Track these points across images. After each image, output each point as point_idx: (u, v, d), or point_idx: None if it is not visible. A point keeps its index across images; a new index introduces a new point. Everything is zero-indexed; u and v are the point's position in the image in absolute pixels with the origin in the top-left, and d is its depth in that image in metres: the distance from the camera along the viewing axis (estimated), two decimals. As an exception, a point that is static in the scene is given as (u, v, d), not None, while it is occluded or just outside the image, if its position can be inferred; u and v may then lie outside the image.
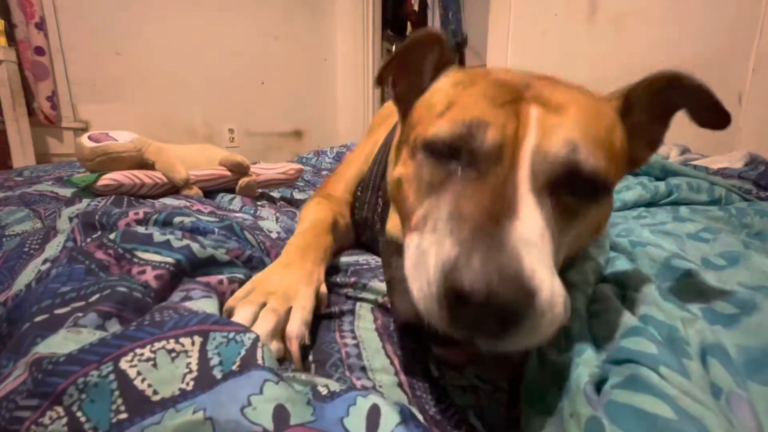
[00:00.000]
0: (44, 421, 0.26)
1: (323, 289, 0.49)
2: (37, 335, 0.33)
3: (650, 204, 1.02)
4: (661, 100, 0.44)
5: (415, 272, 0.32)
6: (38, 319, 0.35)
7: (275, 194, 1.22)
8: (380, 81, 0.51)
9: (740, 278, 0.51)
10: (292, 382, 0.30)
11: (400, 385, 0.35)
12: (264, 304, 0.41)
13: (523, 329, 0.28)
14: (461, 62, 3.69)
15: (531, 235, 0.31)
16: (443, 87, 0.45)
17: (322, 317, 0.46)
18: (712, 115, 0.42)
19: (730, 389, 0.33)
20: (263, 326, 0.39)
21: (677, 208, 0.98)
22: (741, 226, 0.84)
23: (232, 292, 0.45)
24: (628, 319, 0.41)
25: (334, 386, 0.31)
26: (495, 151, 0.36)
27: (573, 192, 0.36)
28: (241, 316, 0.40)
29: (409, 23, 3.60)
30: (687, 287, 0.51)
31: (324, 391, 0.30)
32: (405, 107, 0.50)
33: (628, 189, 1.05)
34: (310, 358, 0.39)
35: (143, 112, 2.38)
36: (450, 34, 3.52)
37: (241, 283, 0.48)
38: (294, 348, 0.39)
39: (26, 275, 0.47)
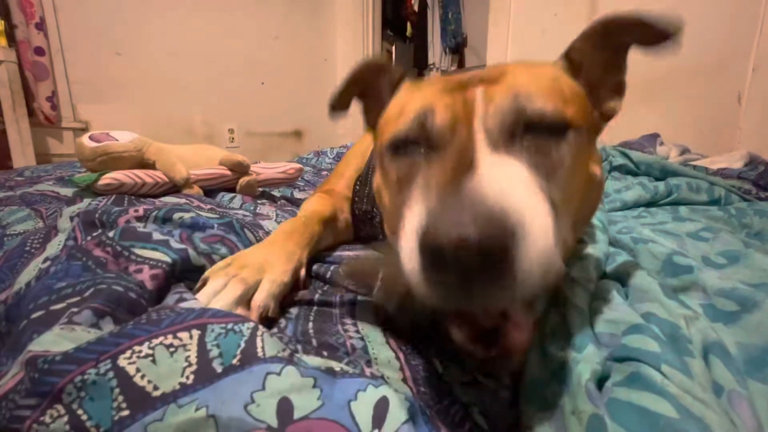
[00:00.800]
0: (45, 419, 0.26)
1: (302, 272, 0.51)
2: (33, 332, 0.33)
3: (650, 204, 1.02)
4: (606, 46, 0.45)
5: (403, 238, 0.30)
6: (34, 315, 0.35)
7: (275, 193, 1.22)
8: (333, 108, 0.56)
9: (741, 276, 0.51)
10: (300, 365, 0.30)
11: (404, 380, 0.35)
12: (236, 276, 0.44)
13: (513, 267, 0.25)
14: (461, 63, 3.69)
15: (498, 177, 0.30)
16: (397, 97, 0.49)
17: (324, 305, 0.47)
18: (656, 35, 0.42)
19: (731, 388, 0.33)
20: (229, 294, 0.41)
21: (677, 208, 0.98)
22: (740, 226, 0.84)
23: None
24: (630, 316, 0.41)
25: (348, 367, 0.31)
26: (448, 128, 0.38)
27: (539, 138, 0.37)
28: (211, 285, 0.42)
29: (408, 23, 3.61)
30: (688, 284, 0.51)
31: (338, 368, 0.30)
32: (372, 120, 0.54)
33: (628, 189, 1.05)
34: (314, 342, 0.39)
35: (143, 112, 2.38)
36: (450, 34, 3.52)
37: None
38: (253, 317, 0.41)
39: (27, 274, 0.47)
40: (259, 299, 0.43)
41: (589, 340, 0.39)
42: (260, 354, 0.29)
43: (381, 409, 0.26)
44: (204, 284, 0.44)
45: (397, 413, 0.26)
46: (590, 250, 0.55)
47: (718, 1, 1.74)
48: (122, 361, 0.28)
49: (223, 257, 0.52)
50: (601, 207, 0.77)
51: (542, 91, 0.38)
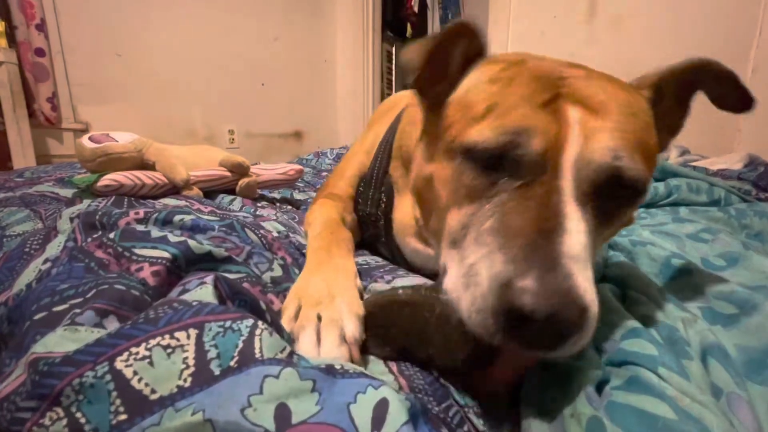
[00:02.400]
0: (45, 422, 0.26)
1: (358, 282, 0.48)
2: (36, 333, 0.33)
3: (650, 205, 1.02)
4: (687, 85, 0.44)
5: (464, 287, 0.33)
6: (37, 317, 0.35)
7: (275, 195, 1.22)
8: (417, 83, 0.47)
9: (740, 278, 0.51)
10: (299, 366, 0.29)
11: (400, 389, 0.35)
12: (319, 317, 0.40)
13: (575, 341, 0.30)
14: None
15: (578, 249, 0.32)
16: (479, 84, 0.43)
17: None
18: (736, 99, 0.43)
19: (730, 390, 0.33)
20: (330, 343, 0.38)
21: (677, 209, 0.98)
22: (740, 227, 0.84)
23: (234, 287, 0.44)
24: (627, 320, 0.41)
25: (349, 366, 0.31)
26: (541, 158, 0.35)
27: (613, 198, 0.36)
28: (307, 343, 0.38)
29: (408, 24, 3.61)
30: (687, 286, 0.51)
31: (338, 366, 0.30)
32: (429, 97, 0.48)
33: (628, 190, 1.05)
34: None
35: (143, 113, 2.38)
36: (450, 36, 3.52)
37: (243, 279, 0.48)
38: (356, 355, 0.38)
39: (27, 275, 0.47)
40: (351, 332, 0.39)
41: (588, 345, 0.39)
42: (258, 355, 0.29)
43: (381, 411, 0.27)
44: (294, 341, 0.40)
45: (397, 414, 0.26)
46: None
47: (717, 3, 1.74)
48: (119, 364, 0.28)
49: (228, 249, 0.51)
50: None
51: (638, 149, 0.36)
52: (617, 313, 0.43)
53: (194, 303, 0.33)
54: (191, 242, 0.48)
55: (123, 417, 0.26)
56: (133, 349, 0.28)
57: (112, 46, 2.25)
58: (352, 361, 0.37)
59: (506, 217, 0.34)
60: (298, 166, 1.20)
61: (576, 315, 0.29)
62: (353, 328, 0.39)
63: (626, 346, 0.38)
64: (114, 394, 0.26)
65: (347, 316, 0.40)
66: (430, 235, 0.48)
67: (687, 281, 0.53)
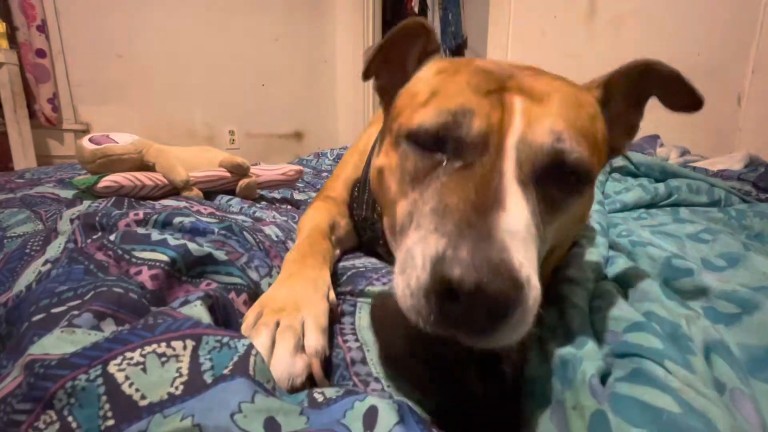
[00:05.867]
0: (39, 425, 0.26)
1: (332, 295, 0.46)
2: (34, 335, 0.33)
3: (650, 206, 1.02)
4: (637, 87, 0.45)
5: (401, 273, 0.31)
6: (35, 318, 0.35)
7: (275, 195, 1.22)
8: (368, 75, 0.50)
9: (740, 279, 0.51)
10: (283, 395, 0.30)
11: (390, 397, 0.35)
12: (278, 324, 0.39)
13: (510, 323, 0.28)
14: (461, 64, 3.69)
15: (518, 227, 0.31)
16: (426, 76, 0.45)
17: None
18: (685, 99, 0.43)
19: (734, 385, 0.33)
20: (284, 349, 0.36)
21: (677, 209, 0.98)
22: (741, 228, 0.84)
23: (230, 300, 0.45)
24: (631, 314, 0.41)
25: (331, 393, 0.30)
26: (480, 140, 0.35)
27: (557, 183, 0.36)
28: (259, 345, 0.36)
29: (409, 25, 3.61)
30: (688, 286, 0.51)
31: (320, 398, 0.30)
32: (389, 98, 0.49)
33: (628, 191, 1.05)
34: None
35: (144, 114, 2.39)
36: (450, 36, 3.53)
37: (241, 289, 0.48)
38: (316, 367, 0.36)
39: (27, 276, 0.47)
40: (313, 342, 0.38)
41: (589, 337, 0.39)
42: (251, 372, 0.29)
43: (371, 418, 0.27)
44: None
45: (388, 417, 0.27)
46: (589, 253, 0.55)
47: (717, 3, 1.74)
48: (112, 368, 0.27)
49: (228, 252, 0.51)
50: (600, 209, 0.77)
51: (582, 136, 0.37)
52: (619, 306, 0.43)
53: (194, 316, 0.33)
54: (191, 245, 0.48)
55: (110, 422, 0.25)
56: (128, 354, 0.28)
57: (112, 46, 2.26)
58: (312, 377, 0.35)
59: (444, 197, 0.34)
60: (297, 167, 1.20)
61: (508, 287, 0.27)
62: (314, 339, 0.37)
63: (630, 338, 0.37)
64: (104, 398, 0.26)
65: (309, 326, 0.39)
66: (389, 233, 0.46)
67: (688, 281, 0.53)
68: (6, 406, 0.27)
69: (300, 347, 0.37)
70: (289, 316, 0.39)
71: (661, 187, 1.05)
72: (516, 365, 0.36)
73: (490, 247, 0.28)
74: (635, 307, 0.44)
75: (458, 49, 3.63)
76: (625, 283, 0.51)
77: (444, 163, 0.37)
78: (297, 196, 1.27)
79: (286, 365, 0.35)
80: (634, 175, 1.22)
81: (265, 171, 1.16)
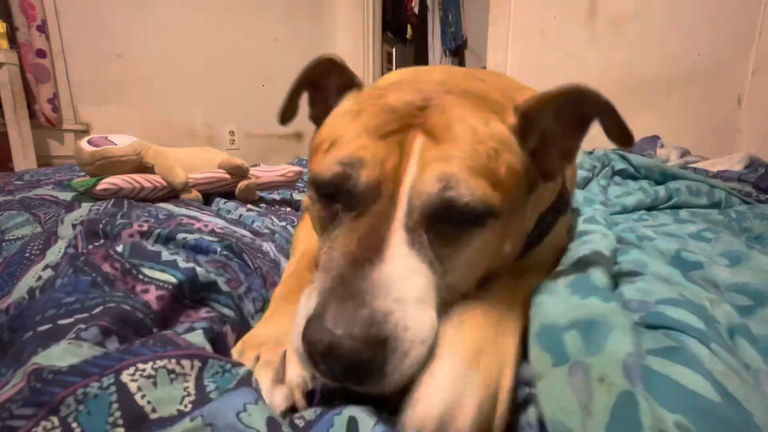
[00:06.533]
0: (38, 430, 0.26)
1: None
2: (38, 345, 0.33)
3: (651, 208, 1.02)
4: (573, 111, 0.41)
5: (296, 325, 0.33)
6: (41, 328, 0.35)
7: (275, 196, 1.22)
8: (283, 119, 0.53)
9: (743, 278, 0.51)
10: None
11: None
12: (258, 359, 0.38)
13: (378, 374, 0.29)
14: (461, 64, 3.69)
15: (396, 274, 0.32)
16: (333, 118, 0.45)
17: None
18: (617, 131, 0.40)
19: (759, 367, 0.32)
20: (262, 384, 0.35)
21: (677, 211, 0.98)
22: (741, 230, 0.84)
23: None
24: (664, 289, 0.40)
25: (309, 414, 0.32)
26: (371, 189, 0.36)
27: (453, 222, 0.36)
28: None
29: (409, 25, 3.61)
30: (698, 279, 0.50)
31: (301, 422, 0.31)
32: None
33: (629, 194, 1.05)
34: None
35: (144, 114, 2.39)
36: (450, 36, 3.52)
37: (233, 324, 0.47)
38: (297, 397, 0.35)
39: (27, 281, 0.47)
40: (294, 376, 0.37)
41: (617, 299, 0.36)
42: (254, 386, 0.32)
43: (353, 427, 0.29)
44: None
45: (367, 421, 0.29)
46: (600, 238, 0.53)
47: (717, 4, 1.74)
48: (125, 377, 0.28)
49: (229, 280, 0.51)
50: (602, 208, 0.77)
51: (478, 174, 0.36)
52: (649, 281, 0.41)
53: (198, 344, 0.34)
54: (199, 270, 0.48)
55: (120, 430, 0.26)
56: (140, 366, 0.29)
57: (112, 47, 2.26)
58: (295, 407, 0.35)
59: (331, 251, 0.35)
60: (297, 168, 1.20)
61: (360, 346, 0.28)
62: (295, 371, 0.37)
63: (666, 311, 0.35)
64: (115, 405, 0.27)
65: (290, 358, 0.38)
66: None
67: (699, 274, 0.51)
68: (3, 411, 0.27)
69: (280, 380, 0.37)
70: (268, 351, 0.39)
71: (661, 189, 1.05)
72: None
73: (352, 304, 0.30)
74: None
75: (458, 50, 3.63)
76: (645, 267, 0.48)
77: (341, 213, 0.38)
78: (297, 196, 1.27)
79: (269, 402, 0.34)
80: (634, 178, 1.22)
81: (264, 172, 1.16)
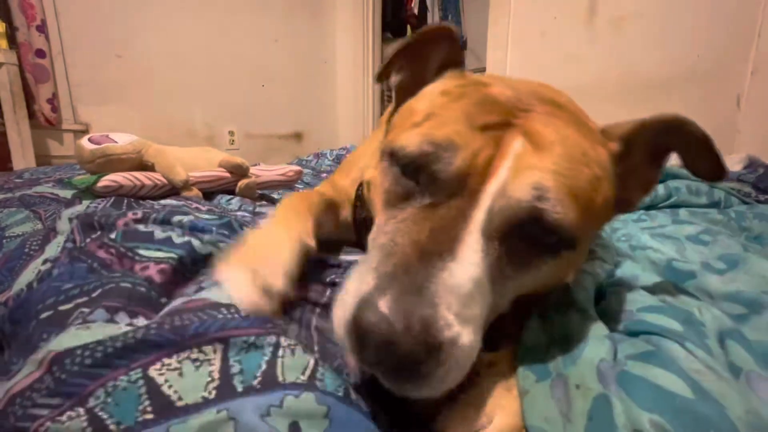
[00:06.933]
0: (62, 419, 0.26)
1: (310, 241, 0.45)
2: (43, 332, 0.33)
3: (649, 207, 1.02)
4: (659, 141, 0.40)
5: (341, 299, 0.31)
6: (43, 316, 0.36)
7: (275, 196, 1.22)
8: (381, 77, 0.48)
9: (740, 283, 0.51)
10: (318, 391, 0.30)
11: None
12: (245, 265, 0.39)
13: (421, 380, 0.27)
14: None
15: (462, 281, 0.29)
16: (431, 93, 0.42)
17: (328, 307, 0.46)
18: (708, 165, 0.38)
19: (750, 369, 0.32)
20: (246, 285, 0.37)
21: (676, 210, 0.98)
22: (740, 229, 0.84)
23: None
24: (646, 297, 0.41)
25: (362, 403, 0.31)
26: (456, 180, 0.33)
27: (531, 241, 0.33)
28: (224, 279, 0.38)
29: (408, 26, 3.61)
30: (691, 289, 0.51)
31: (354, 396, 0.31)
32: (404, 99, 0.46)
33: (628, 192, 1.05)
34: (316, 348, 0.38)
35: (144, 114, 2.39)
36: (450, 37, 3.53)
37: None
38: (263, 300, 0.36)
39: (26, 275, 0.47)
40: (269, 280, 0.38)
41: (593, 313, 0.37)
42: (280, 379, 0.30)
43: None
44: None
45: None
46: (596, 263, 0.54)
47: (717, 4, 1.74)
48: (152, 372, 0.29)
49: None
50: None
51: (575, 198, 0.33)
52: (634, 291, 0.42)
53: (219, 316, 0.34)
54: (195, 242, 0.48)
55: (150, 416, 0.27)
56: (166, 360, 0.30)
57: (112, 47, 2.26)
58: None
59: (397, 234, 0.33)
60: (297, 168, 1.20)
61: (421, 350, 0.26)
62: (273, 276, 0.38)
63: (647, 318, 0.36)
64: (144, 396, 0.28)
65: (275, 268, 0.39)
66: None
67: (692, 283, 0.52)
68: (24, 400, 0.27)
69: (258, 286, 0.37)
70: (254, 258, 0.40)
71: (660, 188, 1.05)
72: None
73: (416, 300, 0.27)
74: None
75: (458, 50, 3.63)
76: (636, 279, 0.50)
77: (416, 194, 0.35)
78: (296, 196, 1.27)
79: (237, 297, 0.35)
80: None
81: (264, 171, 1.16)
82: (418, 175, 0.35)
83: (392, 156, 0.37)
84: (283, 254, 0.41)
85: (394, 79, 0.49)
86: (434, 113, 0.37)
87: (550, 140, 0.34)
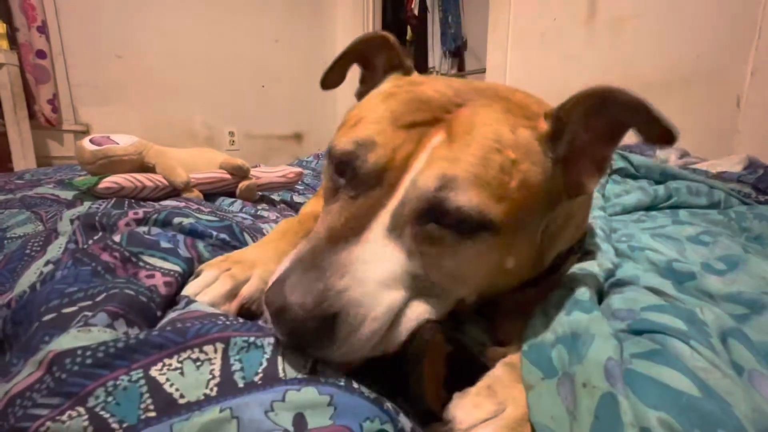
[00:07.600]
0: (62, 418, 0.26)
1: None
2: (45, 334, 0.33)
3: (650, 208, 1.02)
4: (603, 117, 0.39)
5: (270, 279, 0.36)
6: (46, 318, 0.36)
7: (275, 197, 1.22)
8: (324, 84, 0.54)
9: (740, 285, 0.51)
10: (319, 383, 0.31)
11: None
12: (227, 270, 0.44)
13: (324, 343, 0.31)
14: (461, 66, 3.69)
15: (364, 256, 0.33)
16: (368, 97, 0.46)
17: None
18: (656, 129, 0.36)
19: (752, 367, 0.33)
20: (218, 287, 0.41)
21: (677, 211, 0.98)
22: (740, 230, 0.84)
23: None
24: (647, 296, 0.41)
25: (365, 389, 0.32)
26: (375, 174, 0.37)
27: (443, 224, 0.35)
28: (203, 277, 0.43)
29: (408, 27, 3.61)
30: (691, 289, 0.51)
31: (356, 385, 0.31)
32: None
33: (628, 193, 1.05)
34: None
35: (144, 115, 2.39)
36: (450, 38, 3.53)
37: None
38: (233, 306, 0.41)
39: (28, 276, 0.47)
40: (247, 292, 0.42)
41: (598, 311, 0.37)
42: (281, 375, 0.31)
43: None
44: (198, 276, 0.44)
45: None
46: (594, 263, 0.54)
47: (716, 5, 1.75)
48: (154, 372, 0.29)
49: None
50: (602, 214, 0.77)
51: (483, 183, 0.35)
52: (637, 290, 0.42)
53: (220, 319, 0.35)
54: (201, 251, 0.49)
55: (152, 414, 0.27)
56: (167, 360, 0.30)
57: (112, 47, 2.26)
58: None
59: (321, 222, 0.38)
60: (297, 169, 1.20)
61: (311, 319, 0.30)
62: (251, 290, 0.42)
63: (651, 317, 0.37)
64: (146, 395, 0.28)
65: (252, 280, 0.43)
66: None
67: (692, 285, 0.52)
68: (25, 400, 0.28)
69: (233, 296, 0.42)
70: (239, 269, 0.44)
71: (660, 189, 1.05)
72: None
73: (312, 277, 0.31)
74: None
75: (458, 52, 3.63)
76: (636, 279, 0.50)
77: (342, 189, 0.39)
78: (296, 198, 1.27)
79: (210, 300, 0.40)
80: (634, 177, 1.22)
81: (264, 173, 1.16)
82: (345, 173, 0.39)
83: (329, 156, 0.41)
84: (269, 271, 0.44)
85: (357, 89, 0.55)
86: (364, 115, 0.41)
87: (466, 130, 0.37)
